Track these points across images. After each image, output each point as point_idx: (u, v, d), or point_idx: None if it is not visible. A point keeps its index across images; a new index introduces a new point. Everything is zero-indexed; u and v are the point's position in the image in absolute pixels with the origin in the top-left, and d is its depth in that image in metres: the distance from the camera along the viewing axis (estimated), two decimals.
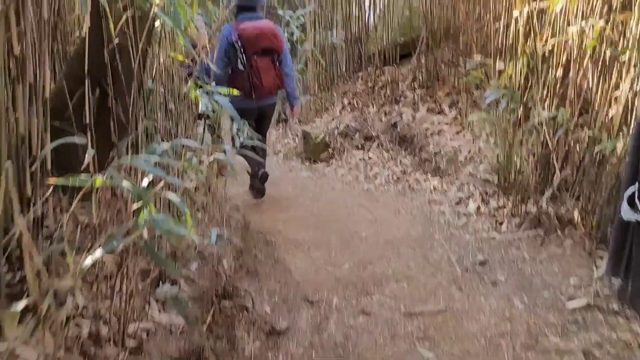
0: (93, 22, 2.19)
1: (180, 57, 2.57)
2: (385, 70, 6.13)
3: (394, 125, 5.69)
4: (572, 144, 3.51)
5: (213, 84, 2.73)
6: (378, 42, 6.09)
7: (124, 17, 2.02)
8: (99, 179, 1.47)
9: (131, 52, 2.18)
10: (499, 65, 4.07)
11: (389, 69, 6.10)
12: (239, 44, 3.98)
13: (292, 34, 8.42)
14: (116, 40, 2.08)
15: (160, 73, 2.59)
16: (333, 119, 6.45)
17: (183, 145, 2.03)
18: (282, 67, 4.24)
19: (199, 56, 3.15)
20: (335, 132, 6.18)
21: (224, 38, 4.04)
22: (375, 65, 6.18)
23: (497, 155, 3.99)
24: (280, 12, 8.97)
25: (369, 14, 6.43)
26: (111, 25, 1.79)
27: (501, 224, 3.72)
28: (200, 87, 2.65)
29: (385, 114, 5.89)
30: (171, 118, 2.48)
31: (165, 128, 2.42)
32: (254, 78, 4.04)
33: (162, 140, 2.50)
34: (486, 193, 4.11)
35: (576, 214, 3.37)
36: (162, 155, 1.61)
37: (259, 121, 4.40)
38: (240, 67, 4.06)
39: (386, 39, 6.03)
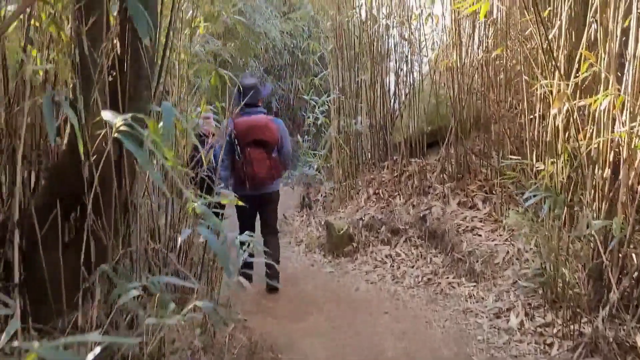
0: (71, 136, 1.95)
1: (180, 168, 2.31)
2: (412, 159, 5.82)
3: (423, 218, 5.29)
4: (628, 255, 3.04)
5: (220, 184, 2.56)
6: (404, 131, 5.82)
7: (102, 133, 1.77)
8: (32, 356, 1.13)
9: (114, 168, 1.91)
10: (536, 161, 3.71)
11: (416, 159, 5.79)
12: (232, 136, 4.20)
13: (317, 119, 8.33)
14: (94, 157, 1.82)
15: (155, 184, 2.31)
16: (358, 210, 6.10)
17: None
18: (280, 156, 4.44)
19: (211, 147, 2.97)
20: (360, 223, 5.80)
21: (226, 128, 4.20)
22: (402, 154, 5.89)
23: (541, 263, 3.53)
24: (305, 97, 8.98)
25: (394, 101, 6.22)
26: (80, 147, 1.52)
27: (550, 345, 3.19)
28: (204, 195, 2.35)
29: (413, 206, 5.52)
30: (159, 238, 2.17)
31: (154, 249, 2.10)
32: (247, 167, 4.23)
33: (152, 263, 2.18)
34: (529, 305, 3.60)
35: (639, 340, 2.84)
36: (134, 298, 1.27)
37: (262, 210, 4.49)
38: (237, 157, 4.28)
39: (412, 127, 5.77)
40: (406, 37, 5.66)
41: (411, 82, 5.94)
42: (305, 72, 12.13)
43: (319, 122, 7.87)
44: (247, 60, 10.66)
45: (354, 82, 6.56)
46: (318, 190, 7.85)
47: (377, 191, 6.06)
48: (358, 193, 6.49)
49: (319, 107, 7.67)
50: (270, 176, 4.30)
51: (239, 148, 4.22)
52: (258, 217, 4.56)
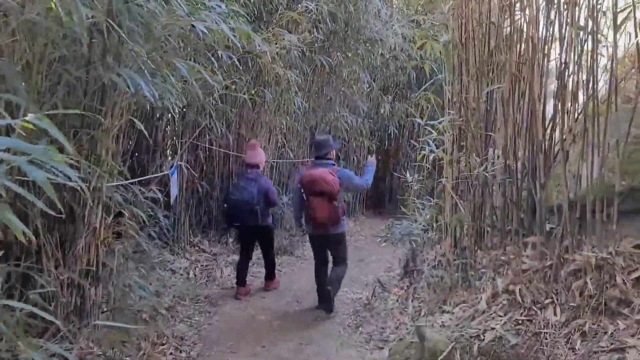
0: None
1: None
2: (585, 239, 3.08)
3: None
4: None
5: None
6: (569, 184, 3.14)
7: None
8: None
9: None
10: None
11: (592, 238, 3.05)
12: (299, 186, 4.95)
13: (432, 151, 5.82)
14: None
15: None
16: (474, 316, 3.51)
17: None
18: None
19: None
20: (476, 346, 3.22)
21: (297, 179, 5.24)
22: (563, 226, 3.19)
23: None
24: (418, 119, 6.50)
25: (552, 130, 3.50)
26: None
27: None
28: None
29: (583, 335, 2.80)
30: None
31: None
32: (310, 212, 4.85)
33: None
34: None
35: None
36: None
37: (329, 247, 5.16)
38: (305, 203, 4.91)
39: (587, 178, 3.05)
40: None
41: (586, 94, 3.19)
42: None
43: (432, 156, 5.36)
44: (357, 73, 8.47)
45: (483, 97, 4.01)
46: (425, 257, 5.37)
47: (512, 287, 3.41)
48: (479, 280, 3.90)
49: (430, 135, 5.15)
50: (331, 221, 4.81)
51: (304, 196, 4.85)
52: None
